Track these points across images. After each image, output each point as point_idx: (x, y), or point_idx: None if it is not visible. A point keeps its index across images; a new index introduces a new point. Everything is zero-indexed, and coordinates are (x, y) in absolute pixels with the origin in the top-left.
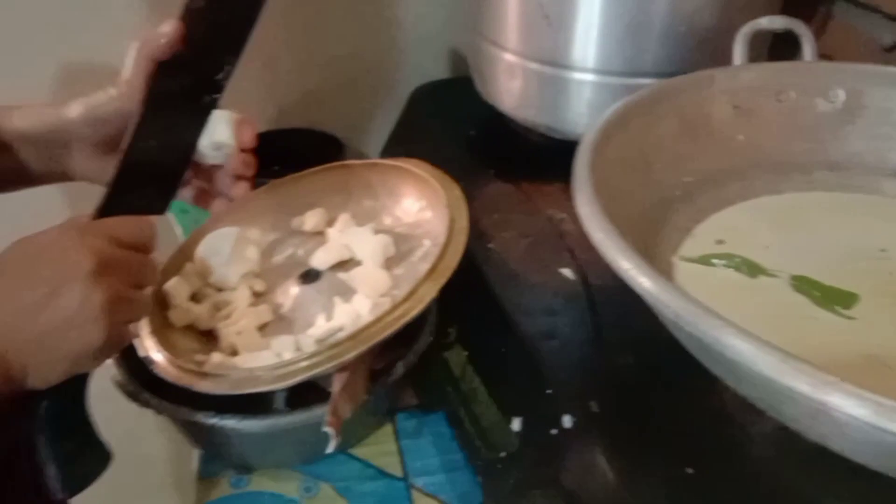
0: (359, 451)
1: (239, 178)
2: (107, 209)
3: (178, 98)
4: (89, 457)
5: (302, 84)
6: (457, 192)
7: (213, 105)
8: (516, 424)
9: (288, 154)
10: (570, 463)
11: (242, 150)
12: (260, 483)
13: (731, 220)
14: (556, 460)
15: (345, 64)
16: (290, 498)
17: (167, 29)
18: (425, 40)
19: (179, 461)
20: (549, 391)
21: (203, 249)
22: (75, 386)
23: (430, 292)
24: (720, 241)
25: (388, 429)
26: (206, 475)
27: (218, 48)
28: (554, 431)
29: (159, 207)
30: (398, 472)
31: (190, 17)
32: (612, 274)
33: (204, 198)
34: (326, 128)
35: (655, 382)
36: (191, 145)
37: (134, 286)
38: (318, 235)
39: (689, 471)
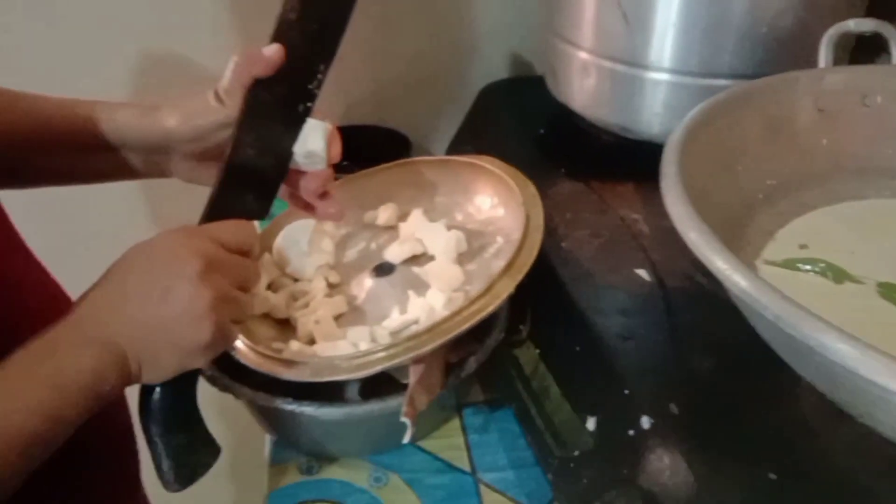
0: (427, 444)
1: (323, 191)
2: (210, 215)
3: (275, 108)
4: (200, 450)
5: (371, 80)
6: (531, 189)
7: (306, 114)
8: (591, 424)
9: (355, 150)
10: (648, 464)
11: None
12: (330, 471)
13: (814, 224)
14: (635, 461)
15: (414, 61)
16: (359, 487)
17: (270, 52)
18: (495, 39)
19: (250, 447)
20: (626, 391)
21: (281, 241)
22: (185, 382)
23: (506, 288)
24: (803, 246)
25: (455, 423)
26: (277, 461)
27: (310, 58)
28: (631, 432)
29: (259, 212)
30: (466, 467)
31: (284, 29)
32: (688, 276)
33: (292, 200)
34: (393, 125)
35: (736, 386)
36: (287, 153)
37: (238, 287)
38: (391, 230)
39: (772, 476)
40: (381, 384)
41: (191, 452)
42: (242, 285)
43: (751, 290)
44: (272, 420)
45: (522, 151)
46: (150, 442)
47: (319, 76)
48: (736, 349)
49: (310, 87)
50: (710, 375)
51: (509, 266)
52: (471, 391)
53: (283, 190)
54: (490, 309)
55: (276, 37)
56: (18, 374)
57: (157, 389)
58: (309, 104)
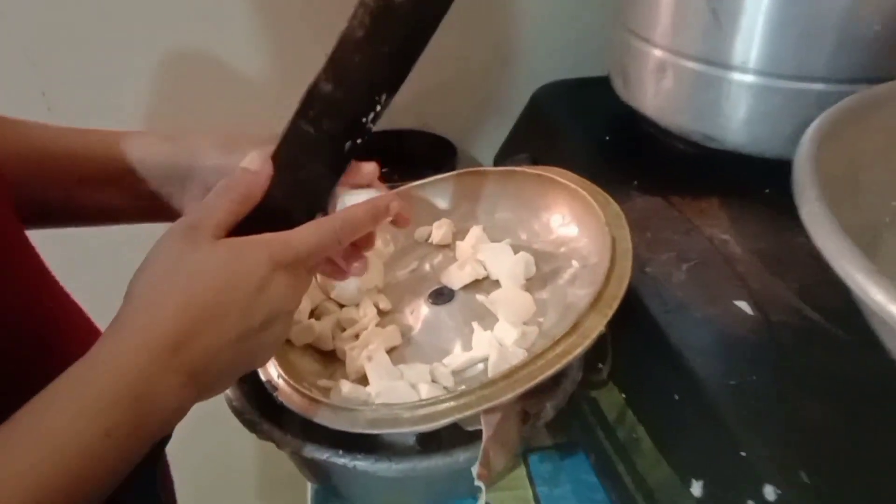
0: (490, 496)
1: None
2: None
3: (318, 144)
4: None
5: (414, 82)
6: (614, 207)
7: (354, 151)
8: (697, 489)
9: (397, 157)
10: None
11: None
12: None
13: None
14: None
15: (461, 60)
16: None
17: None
18: (550, 36)
19: (288, 492)
20: (742, 453)
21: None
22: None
23: (595, 326)
24: None
25: (520, 472)
26: None
27: (372, 86)
28: (751, 503)
29: None
30: None
31: (347, 49)
32: (796, 309)
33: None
34: (437, 130)
35: (876, 443)
36: (322, 200)
37: None
38: (445, 248)
39: None
40: (440, 431)
41: None
42: None
43: None
44: (316, 470)
45: (585, 161)
46: None
47: (378, 108)
48: (870, 398)
49: (364, 120)
50: (843, 432)
51: (598, 299)
52: (536, 436)
53: None
54: (578, 351)
55: (337, 56)
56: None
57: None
58: (359, 141)
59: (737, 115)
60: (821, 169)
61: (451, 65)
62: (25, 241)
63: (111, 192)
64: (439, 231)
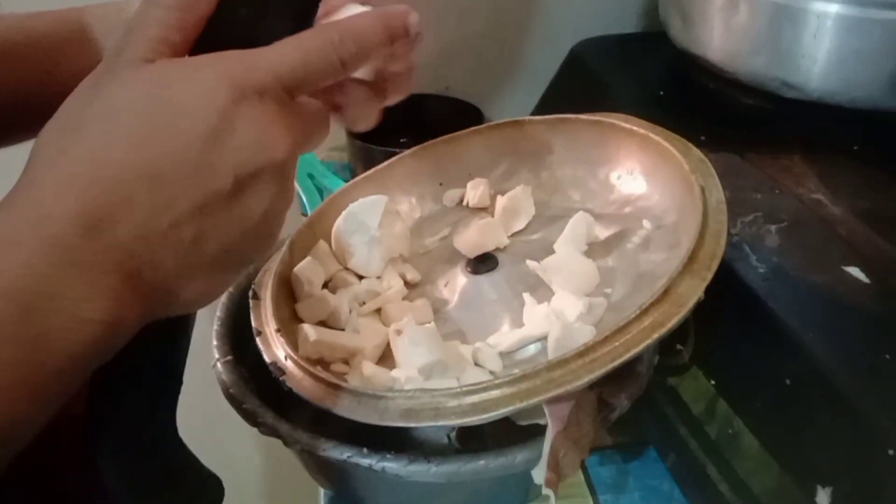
0: None
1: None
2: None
3: None
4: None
5: (435, 41)
6: (696, 153)
7: None
8: (823, 497)
9: (418, 123)
10: None
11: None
12: None
13: None
14: None
15: (488, 15)
16: None
17: None
18: None
19: (296, 499)
20: (890, 451)
21: (342, 225)
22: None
23: (693, 291)
24: None
25: (576, 478)
26: None
27: None
28: None
29: None
30: None
31: None
32: None
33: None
34: (462, 94)
35: None
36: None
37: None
38: (482, 212)
39: None
40: (482, 424)
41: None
42: (310, 147)
43: None
44: (331, 474)
45: (640, 116)
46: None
47: None
48: None
49: None
50: None
51: (692, 260)
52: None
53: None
54: (673, 322)
55: None
56: None
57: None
58: None
59: (823, 56)
60: None
61: (477, 20)
62: None
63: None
64: (475, 192)
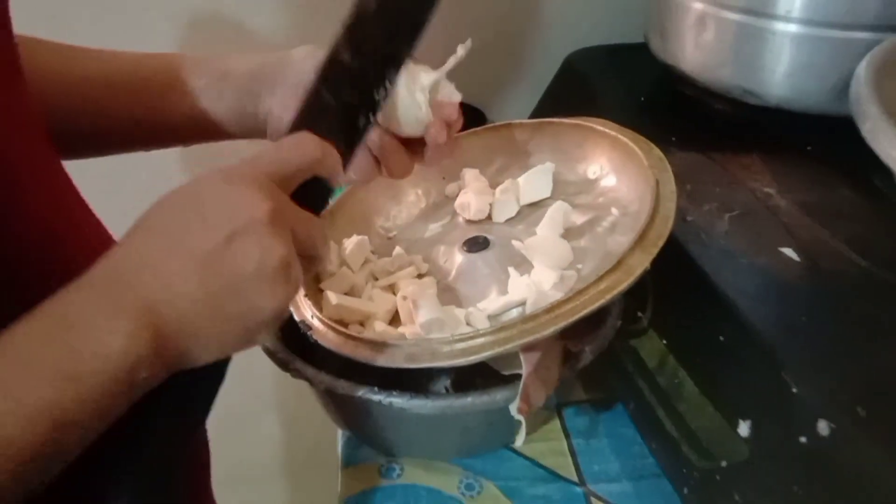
0: (524, 449)
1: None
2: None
3: (337, 113)
4: None
5: (447, 49)
6: (656, 152)
7: (367, 128)
8: (744, 429)
9: None
10: (831, 478)
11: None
12: (413, 475)
13: None
14: (811, 474)
15: (492, 27)
16: (450, 495)
17: None
18: (580, 3)
19: (319, 443)
20: (794, 390)
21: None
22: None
23: (640, 263)
24: None
25: (555, 425)
26: (352, 462)
27: (384, 59)
28: (804, 440)
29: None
30: (573, 476)
31: (359, 21)
32: (847, 258)
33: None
34: (468, 98)
35: None
36: (351, 151)
37: (304, 250)
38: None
39: None
40: (473, 377)
41: None
42: (310, 249)
43: None
44: (348, 413)
45: (620, 121)
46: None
47: (388, 84)
48: None
49: (376, 96)
50: (888, 370)
51: (641, 237)
52: (571, 390)
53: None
54: (623, 286)
55: (353, 26)
56: (17, 359)
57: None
58: (372, 116)
59: (779, 68)
60: (883, 94)
61: (481, 31)
62: (60, 168)
63: (167, 106)
64: (469, 203)
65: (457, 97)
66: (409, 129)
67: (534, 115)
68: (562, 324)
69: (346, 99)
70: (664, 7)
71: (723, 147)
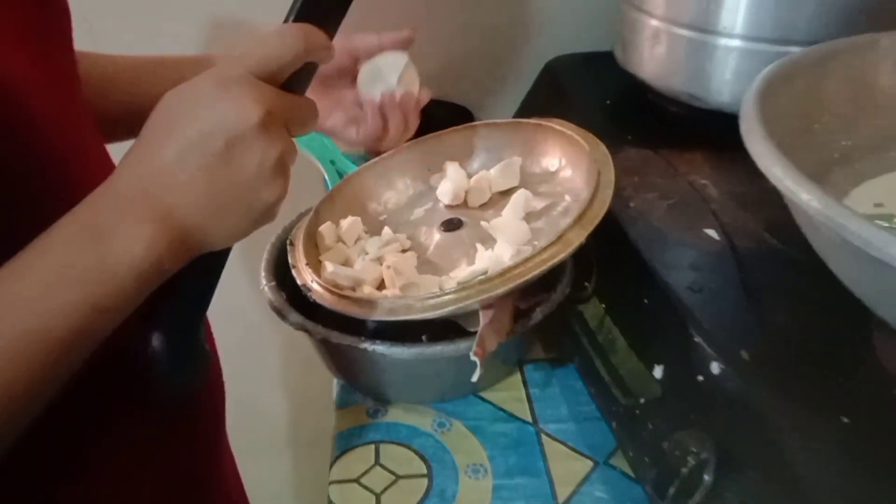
0: (488, 395)
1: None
2: None
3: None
4: (195, 366)
5: (437, 55)
6: (602, 149)
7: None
8: (658, 372)
9: (421, 122)
10: (718, 408)
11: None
12: (395, 415)
13: (889, 185)
14: (704, 406)
15: (479, 36)
16: (424, 431)
17: None
18: (561, 14)
19: (319, 391)
20: (695, 339)
21: (365, 73)
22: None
23: (577, 237)
24: (878, 205)
25: (516, 378)
26: (344, 405)
27: None
28: (700, 378)
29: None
30: (528, 418)
31: None
32: (759, 237)
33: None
34: (457, 99)
35: (808, 335)
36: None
37: (297, 129)
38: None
39: (845, 420)
40: (447, 333)
41: (190, 362)
42: (304, 131)
43: (826, 209)
44: (341, 362)
45: (588, 122)
46: (149, 359)
47: None
48: (810, 303)
49: None
50: (781, 326)
51: (580, 218)
52: (532, 349)
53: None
54: (561, 256)
55: None
56: (55, 262)
57: (173, 305)
58: None
59: (721, 77)
60: (771, 111)
61: (470, 40)
62: (105, 153)
63: None
64: (448, 187)
65: (416, 83)
66: None
67: (517, 115)
68: (510, 285)
69: None
70: (626, 23)
71: (671, 144)
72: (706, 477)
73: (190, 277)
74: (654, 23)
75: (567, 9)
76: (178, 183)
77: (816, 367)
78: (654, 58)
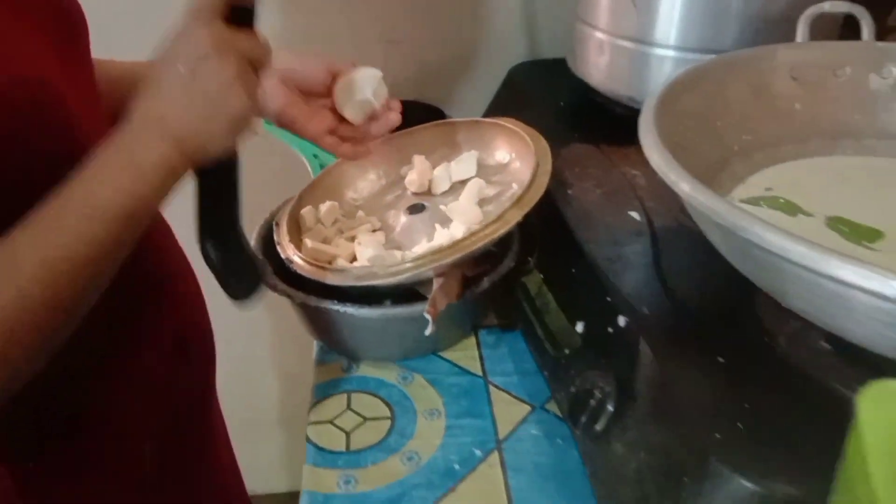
0: (446, 355)
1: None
2: None
3: None
4: (251, 268)
5: (414, 61)
6: (543, 143)
7: None
8: (580, 327)
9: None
10: (622, 353)
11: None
12: (366, 371)
13: (782, 173)
14: (612, 352)
15: (452, 44)
16: (390, 383)
17: None
18: (524, 25)
19: (301, 352)
20: (608, 298)
21: (342, 88)
22: (230, 213)
23: (515, 217)
24: (769, 189)
25: (471, 341)
26: (322, 362)
27: None
28: (610, 330)
29: None
30: (478, 372)
31: None
32: (676, 218)
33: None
34: (432, 100)
35: (700, 297)
36: None
37: (251, 61)
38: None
39: (721, 359)
40: (410, 300)
41: (250, 269)
42: (255, 60)
43: (695, 192)
44: (319, 325)
45: (544, 121)
46: (213, 268)
47: None
48: (708, 271)
49: None
50: (681, 289)
51: (519, 200)
52: (487, 317)
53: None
54: (501, 232)
55: None
56: (95, 180)
57: (210, 220)
58: None
59: (656, 82)
60: (677, 109)
61: (444, 49)
62: None
63: None
64: (416, 175)
65: (385, 96)
66: (354, 118)
67: (484, 115)
68: (458, 255)
69: None
70: (576, 35)
71: (611, 141)
72: (609, 407)
73: (215, 193)
74: (600, 35)
75: (528, 22)
76: (168, 104)
77: (703, 321)
78: (599, 65)
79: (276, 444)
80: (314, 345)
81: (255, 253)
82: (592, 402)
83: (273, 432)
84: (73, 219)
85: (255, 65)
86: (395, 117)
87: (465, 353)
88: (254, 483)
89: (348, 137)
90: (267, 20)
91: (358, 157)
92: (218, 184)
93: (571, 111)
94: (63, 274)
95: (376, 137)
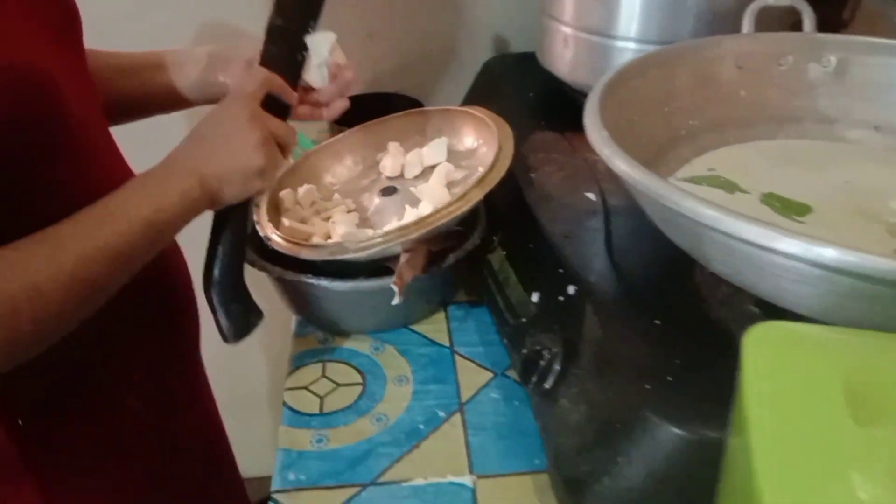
0: (417, 328)
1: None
2: None
3: (278, 56)
4: (250, 314)
5: (395, 54)
6: (507, 129)
7: (303, 62)
8: (535, 297)
9: (382, 112)
10: (570, 318)
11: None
12: (341, 342)
13: (725, 155)
14: (561, 318)
15: (431, 38)
16: (363, 353)
17: None
18: (498, 20)
19: (280, 325)
20: (560, 270)
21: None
22: (237, 258)
23: (476, 196)
24: (711, 169)
25: (440, 315)
26: (300, 335)
27: (300, 16)
28: (561, 298)
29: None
30: (446, 343)
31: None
32: (627, 197)
33: (311, 115)
34: (411, 92)
35: (645, 268)
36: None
37: (278, 140)
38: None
39: (657, 322)
40: (383, 274)
41: (243, 316)
42: (281, 140)
43: (626, 166)
44: (296, 299)
45: (515, 110)
46: (213, 309)
47: (309, 29)
48: (654, 245)
49: (302, 37)
50: (627, 261)
51: (480, 181)
52: (456, 294)
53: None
54: (463, 209)
55: (277, 3)
56: (126, 201)
57: (217, 268)
58: (303, 53)
59: None
60: (624, 97)
61: (423, 43)
62: (108, 134)
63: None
64: (390, 159)
65: (343, 59)
66: (316, 82)
67: (460, 106)
68: (423, 231)
69: (282, 44)
70: (544, 29)
71: (574, 128)
72: (556, 366)
73: (225, 238)
74: (565, 29)
75: (502, 18)
76: (200, 152)
77: (645, 289)
78: (565, 58)
79: (266, 427)
80: (292, 319)
81: (255, 304)
82: (542, 362)
83: (262, 415)
84: (110, 219)
85: (280, 144)
86: (349, 75)
87: (435, 326)
88: (245, 466)
89: (313, 101)
90: (248, 14)
91: (314, 117)
92: (229, 229)
93: (540, 102)
94: (97, 262)
95: (336, 97)
